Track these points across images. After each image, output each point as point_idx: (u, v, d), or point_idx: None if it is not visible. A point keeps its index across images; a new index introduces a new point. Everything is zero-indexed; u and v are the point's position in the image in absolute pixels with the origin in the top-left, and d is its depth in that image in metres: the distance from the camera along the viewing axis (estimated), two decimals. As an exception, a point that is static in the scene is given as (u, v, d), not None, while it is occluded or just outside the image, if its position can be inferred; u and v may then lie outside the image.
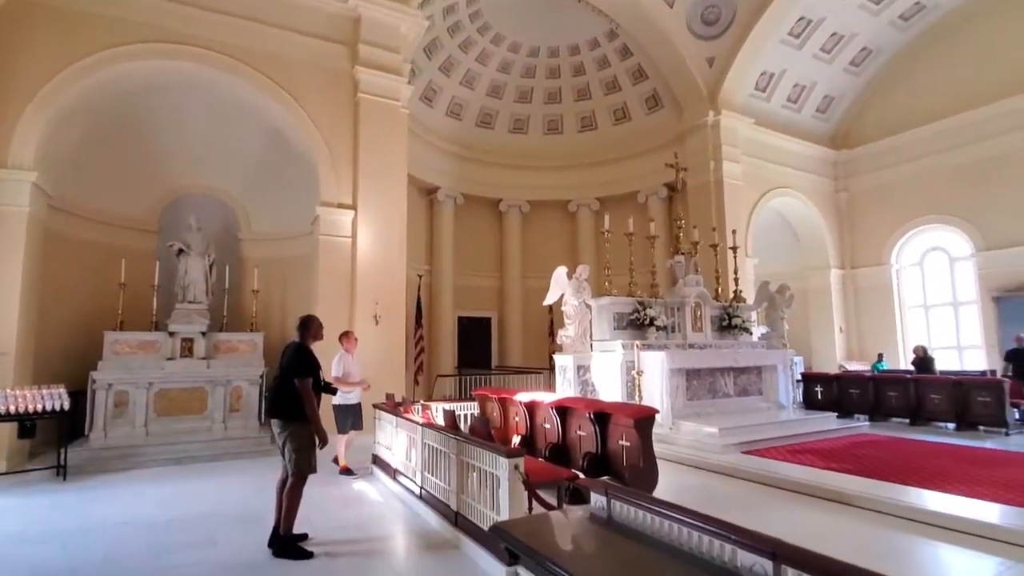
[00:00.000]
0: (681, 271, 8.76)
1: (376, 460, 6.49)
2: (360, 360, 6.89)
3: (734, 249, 9.68)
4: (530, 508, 3.61)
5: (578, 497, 4.52)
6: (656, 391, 7.25)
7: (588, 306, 8.11)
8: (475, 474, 4.02)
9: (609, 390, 7.59)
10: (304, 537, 4.17)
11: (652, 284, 8.55)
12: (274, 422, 4.14)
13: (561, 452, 5.39)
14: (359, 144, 9.09)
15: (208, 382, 7.86)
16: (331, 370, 6.29)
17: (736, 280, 9.52)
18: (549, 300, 8.52)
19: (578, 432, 5.29)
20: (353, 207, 9.00)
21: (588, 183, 14.50)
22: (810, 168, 14.17)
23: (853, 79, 13.91)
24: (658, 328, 8.04)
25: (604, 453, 4.95)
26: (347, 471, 6.38)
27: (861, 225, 14.49)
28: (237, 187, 9.96)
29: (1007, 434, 7.90)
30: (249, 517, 4.78)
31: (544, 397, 6.06)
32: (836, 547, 1.67)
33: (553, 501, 4.00)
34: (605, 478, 4.44)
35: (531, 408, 6.07)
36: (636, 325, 8.01)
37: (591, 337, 8.12)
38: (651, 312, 8.01)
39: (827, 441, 7.21)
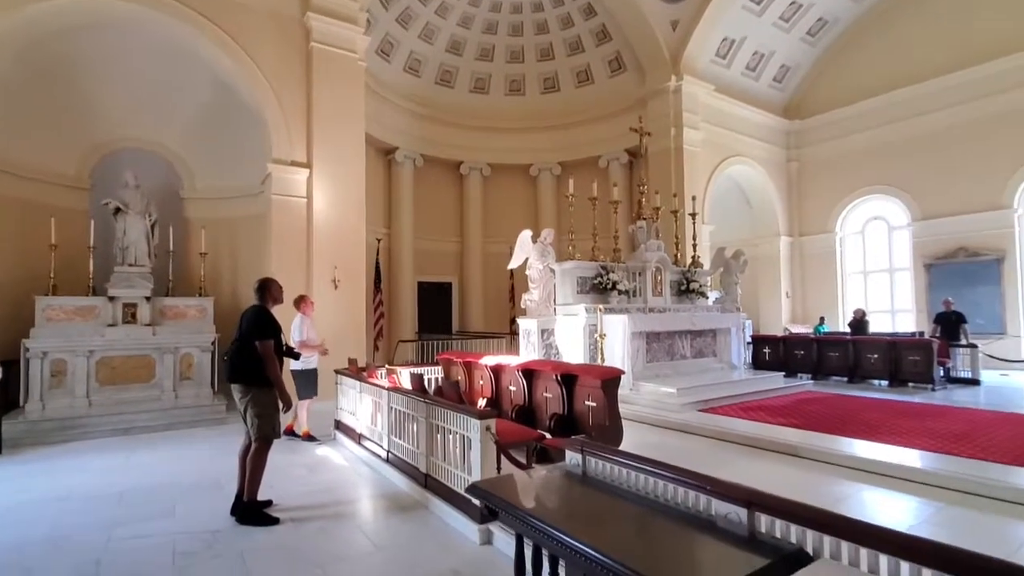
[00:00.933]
0: (643, 236, 8.88)
1: (339, 426, 6.40)
2: (317, 325, 6.70)
3: (693, 215, 9.86)
4: (499, 468, 3.65)
5: (545, 457, 4.63)
6: (618, 353, 7.43)
7: (552, 270, 8.14)
8: (444, 436, 4.02)
9: (572, 353, 7.71)
10: (268, 503, 4.08)
11: (615, 249, 8.64)
12: (235, 387, 3.98)
13: (527, 413, 5.46)
14: (313, 98, 8.61)
15: (155, 349, 7.47)
16: (292, 335, 6.11)
17: (695, 246, 9.74)
18: (513, 264, 8.49)
19: (545, 394, 5.37)
20: (308, 165, 8.58)
21: (550, 146, 14.33)
22: (764, 137, 14.50)
23: (809, 49, 14.17)
24: (620, 292, 8.16)
25: (571, 414, 5.05)
26: (309, 437, 6.28)
27: (809, 194, 15.06)
28: (178, 142, 9.28)
29: (933, 390, 8.59)
30: (208, 486, 4.65)
31: (510, 360, 6.09)
32: (786, 494, 1.78)
33: (522, 461, 4.05)
34: (576, 437, 4.53)
35: (497, 371, 6.10)
36: (599, 289, 8.11)
37: (555, 301, 8.18)
38: (614, 276, 8.11)
39: (775, 399, 7.65)
